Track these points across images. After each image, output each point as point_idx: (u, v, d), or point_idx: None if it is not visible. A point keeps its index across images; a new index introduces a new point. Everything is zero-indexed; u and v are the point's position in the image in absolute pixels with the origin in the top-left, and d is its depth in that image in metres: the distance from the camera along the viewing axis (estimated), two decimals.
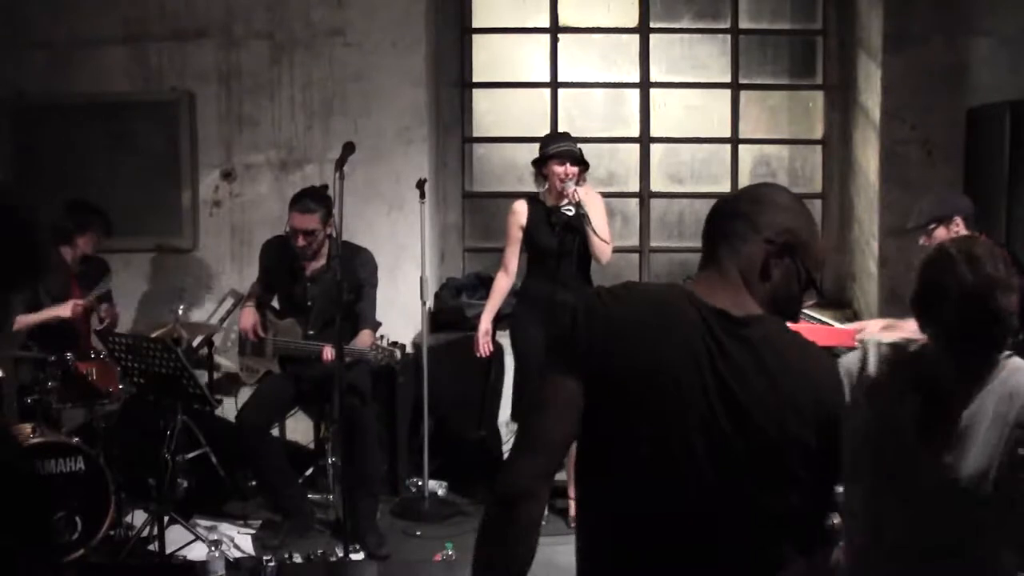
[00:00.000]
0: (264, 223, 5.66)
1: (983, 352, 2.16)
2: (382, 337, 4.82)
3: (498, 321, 5.49)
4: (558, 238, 4.83)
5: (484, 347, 5.02)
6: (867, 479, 2.24)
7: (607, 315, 1.78)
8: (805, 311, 4.96)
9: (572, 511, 5.06)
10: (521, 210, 4.96)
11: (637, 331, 1.76)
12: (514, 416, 5.08)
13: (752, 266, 1.84)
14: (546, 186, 4.91)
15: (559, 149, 4.86)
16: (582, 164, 4.88)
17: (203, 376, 5.42)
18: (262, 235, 5.36)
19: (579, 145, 4.96)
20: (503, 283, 5.08)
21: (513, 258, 5.03)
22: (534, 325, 4.87)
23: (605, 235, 4.80)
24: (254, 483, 5.26)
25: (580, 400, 1.76)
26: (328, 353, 4.51)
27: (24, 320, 4.89)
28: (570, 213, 4.75)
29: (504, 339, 5.18)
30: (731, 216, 1.87)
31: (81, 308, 4.88)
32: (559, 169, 4.81)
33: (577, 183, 4.83)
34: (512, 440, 5.60)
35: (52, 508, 4.23)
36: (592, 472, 1.83)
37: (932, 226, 4.42)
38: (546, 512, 5.11)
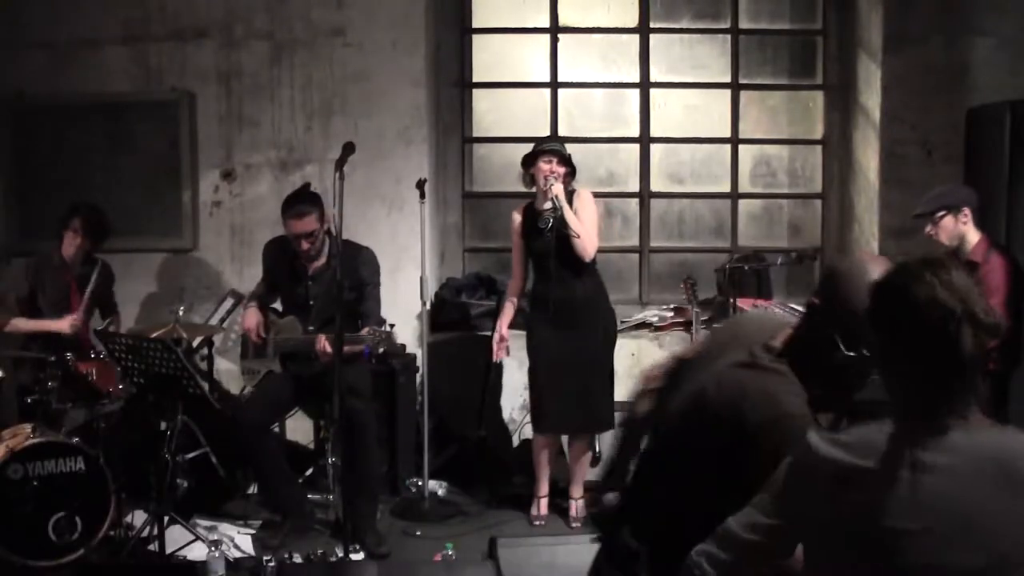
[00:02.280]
0: (264, 223, 5.66)
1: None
2: (384, 322, 4.82)
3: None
4: (545, 240, 4.87)
5: (498, 353, 5.13)
6: None
7: None
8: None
9: (572, 511, 5.06)
10: (517, 218, 5.06)
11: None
12: (536, 428, 5.11)
13: (800, 323, 2.09)
14: (535, 188, 4.97)
15: (547, 147, 4.94)
16: (569, 166, 4.91)
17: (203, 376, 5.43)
18: (262, 235, 5.35)
19: (578, 145, 5.01)
20: (513, 288, 5.18)
21: (517, 265, 5.12)
22: (540, 327, 4.97)
23: (583, 231, 4.80)
24: (255, 485, 5.25)
25: None
26: (322, 343, 4.51)
27: (17, 325, 4.89)
28: (554, 216, 4.81)
29: (517, 339, 5.24)
30: None
31: (79, 324, 4.90)
32: (545, 166, 4.86)
33: (565, 186, 4.88)
34: (516, 436, 5.65)
35: (51, 509, 4.24)
36: None
37: (940, 214, 4.42)
38: (546, 512, 5.11)
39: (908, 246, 5.52)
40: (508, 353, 5.19)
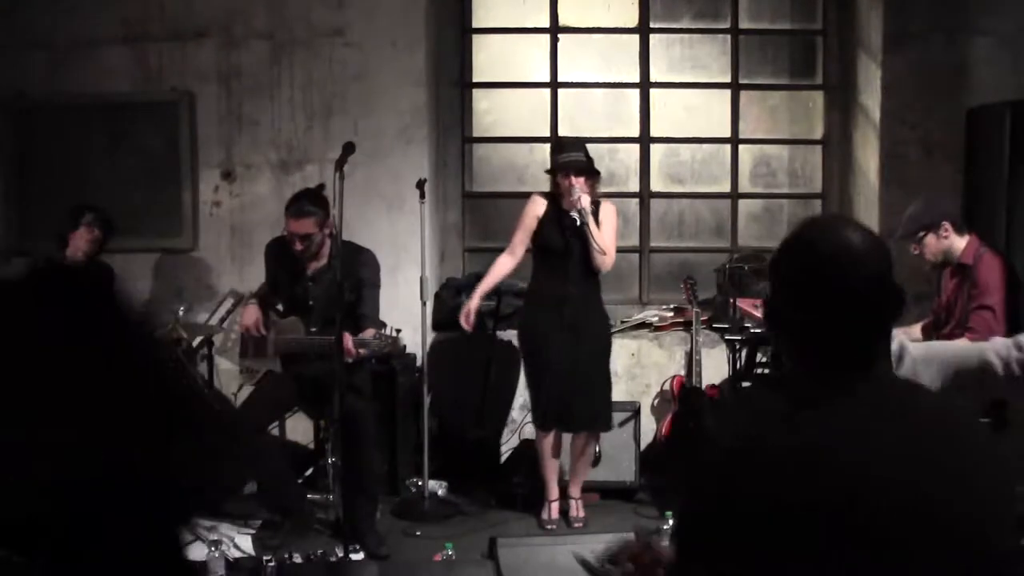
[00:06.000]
0: (264, 223, 5.66)
1: None
2: (385, 325, 4.81)
3: (499, 320, 5.49)
4: (566, 239, 4.86)
5: (466, 321, 5.02)
6: None
7: None
8: None
9: (572, 511, 5.06)
10: (540, 202, 4.99)
11: None
12: (536, 422, 5.07)
13: None
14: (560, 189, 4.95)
15: (565, 161, 4.89)
16: (590, 172, 4.89)
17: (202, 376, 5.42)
18: (262, 235, 5.36)
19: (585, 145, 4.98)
20: (506, 263, 5.07)
21: (521, 244, 5.04)
22: (543, 325, 4.93)
23: (605, 246, 4.82)
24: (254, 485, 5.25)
25: None
26: (348, 341, 4.46)
27: None
28: (577, 222, 4.81)
29: (504, 337, 5.21)
30: None
31: None
32: (565, 181, 4.84)
33: (591, 193, 4.87)
34: (516, 436, 5.64)
35: None
36: None
37: (921, 235, 4.41)
38: (557, 516, 5.08)
39: (907, 245, 5.52)
40: (477, 324, 5.09)
